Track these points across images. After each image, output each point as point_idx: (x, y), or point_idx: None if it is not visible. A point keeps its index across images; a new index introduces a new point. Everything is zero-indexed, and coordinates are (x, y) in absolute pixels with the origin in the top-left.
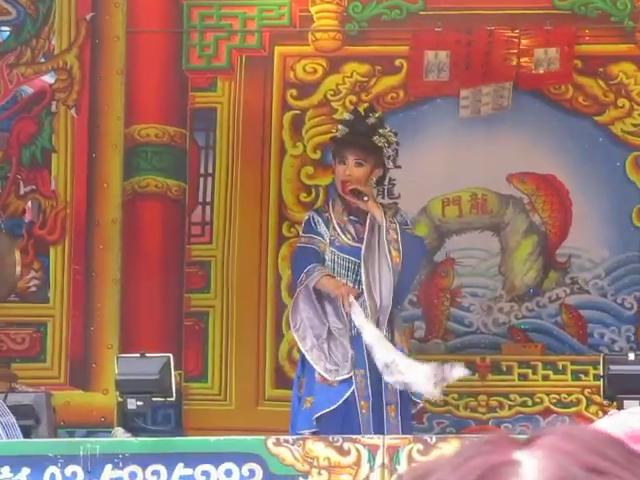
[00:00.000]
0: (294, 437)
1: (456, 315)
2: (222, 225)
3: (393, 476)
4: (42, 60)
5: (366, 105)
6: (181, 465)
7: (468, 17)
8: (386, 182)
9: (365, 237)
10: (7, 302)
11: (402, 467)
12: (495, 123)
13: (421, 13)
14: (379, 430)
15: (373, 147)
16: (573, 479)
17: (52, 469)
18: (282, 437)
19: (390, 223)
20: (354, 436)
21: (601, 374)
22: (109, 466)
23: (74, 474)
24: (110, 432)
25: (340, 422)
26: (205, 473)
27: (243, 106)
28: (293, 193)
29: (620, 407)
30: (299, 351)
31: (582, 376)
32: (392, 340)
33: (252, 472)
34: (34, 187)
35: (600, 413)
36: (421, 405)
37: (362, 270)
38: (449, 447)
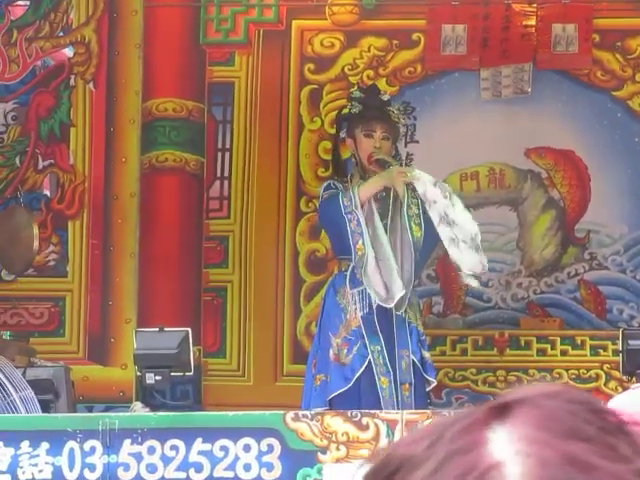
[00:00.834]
0: (313, 412)
1: (474, 290)
2: (240, 200)
3: None
4: (60, 34)
5: (371, 84)
6: (200, 440)
7: None
8: (404, 157)
9: (379, 211)
10: (26, 276)
11: None
12: (513, 97)
13: None
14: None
15: (392, 122)
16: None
17: (71, 444)
18: (300, 412)
19: (412, 198)
20: (373, 411)
21: (620, 349)
22: (128, 441)
23: (93, 449)
24: (129, 407)
25: (357, 400)
26: (224, 448)
27: (260, 80)
28: (311, 168)
29: None
30: (316, 326)
31: (601, 351)
32: (406, 318)
33: (270, 447)
34: (52, 161)
35: (619, 389)
36: (434, 384)
37: (383, 244)
38: None
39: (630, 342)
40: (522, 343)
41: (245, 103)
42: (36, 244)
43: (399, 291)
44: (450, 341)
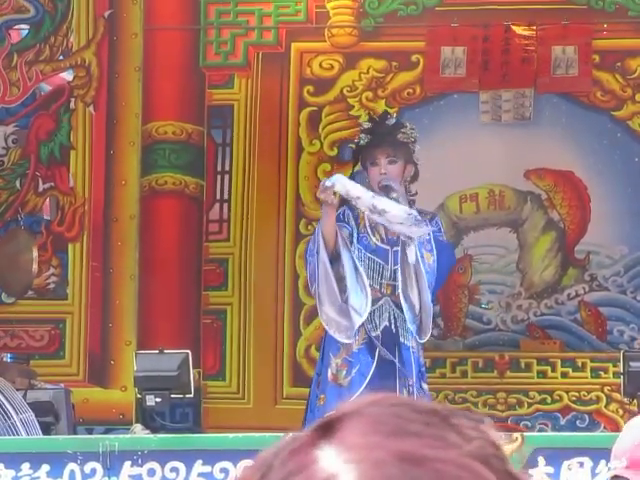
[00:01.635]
0: None
1: (474, 312)
2: (239, 223)
3: None
4: (60, 57)
5: (382, 111)
6: (200, 462)
7: (484, 12)
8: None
9: (389, 238)
10: (26, 299)
11: None
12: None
13: (437, 9)
14: None
15: (400, 144)
16: (391, 476)
17: (71, 466)
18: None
19: None
20: None
21: (621, 371)
22: (128, 463)
23: (93, 471)
24: (129, 429)
25: None
26: (224, 470)
27: (260, 103)
28: (310, 190)
29: None
30: (318, 349)
31: (602, 373)
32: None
33: None
34: (52, 184)
35: (620, 411)
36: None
37: (399, 273)
38: None
39: (631, 364)
40: (522, 365)
41: (244, 125)
42: (35, 267)
43: (357, 318)
44: (450, 363)
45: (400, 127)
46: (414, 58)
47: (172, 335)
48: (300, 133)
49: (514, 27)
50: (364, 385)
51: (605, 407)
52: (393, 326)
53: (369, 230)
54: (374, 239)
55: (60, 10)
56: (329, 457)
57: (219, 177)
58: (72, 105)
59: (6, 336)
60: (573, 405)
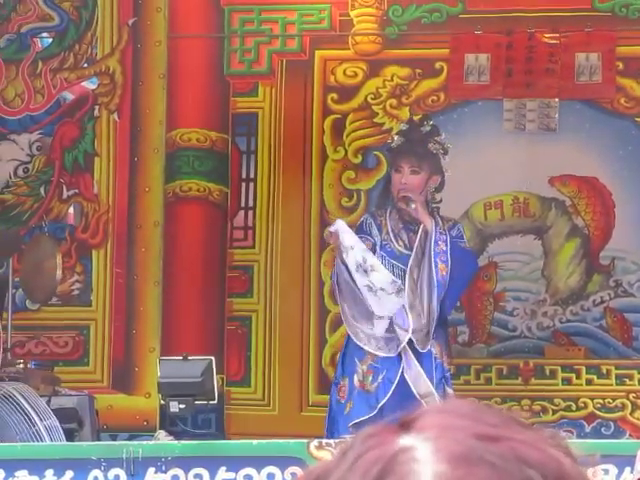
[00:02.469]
0: (337, 440)
1: (499, 319)
2: (264, 230)
3: None
4: (85, 65)
5: (421, 114)
6: (224, 469)
7: (508, 19)
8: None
9: (414, 248)
10: (50, 305)
11: None
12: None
13: (461, 16)
14: None
15: (428, 154)
16: (470, 450)
17: (95, 472)
18: (324, 440)
19: (440, 234)
20: None
21: None
22: (152, 469)
23: (117, 477)
24: (153, 435)
25: None
26: (247, 477)
27: (284, 111)
28: (335, 198)
29: None
30: (339, 355)
31: (627, 380)
32: (433, 353)
33: (294, 476)
34: (77, 191)
35: None
36: None
37: (406, 279)
38: None
39: None
40: (547, 372)
41: (269, 133)
42: (59, 273)
43: (402, 335)
44: (474, 370)
45: (434, 135)
46: (438, 65)
47: (196, 342)
48: (324, 140)
49: (538, 34)
50: (391, 390)
51: (630, 414)
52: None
53: (392, 237)
54: (397, 246)
55: (84, 18)
56: (407, 435)
57: (244, 184)
58: (96, 112)
59: (30, 342)
60: (598, 412)
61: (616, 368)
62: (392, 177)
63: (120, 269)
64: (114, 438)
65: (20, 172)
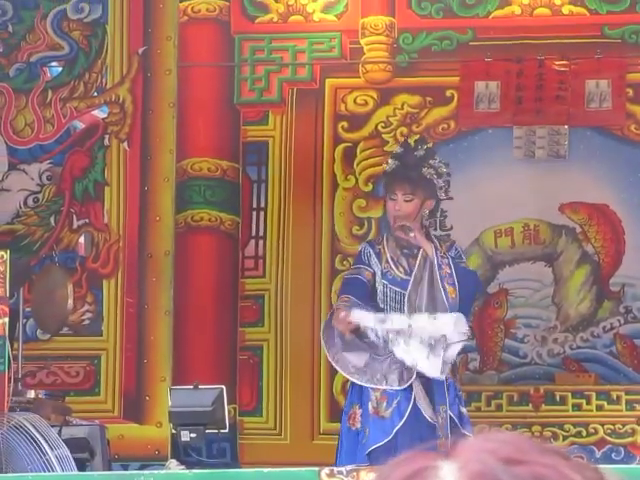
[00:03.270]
0: (348, 468)
1: (510, 346)
2: (275, 259)
3: None
4: (95, 94)
5: (417, 137)
6: None
7: (517, 47)
8: (438, 214)
9: (413, 274)
10: (61, 335)
11: None
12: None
13: (471, 43)
14: None
15: (421, 180)
16: (493, 471)
17: None
18: (336, 468)
19: (442, 258)
20: None
21: None
22: None
23: None
24: (164, 465)
25: (394, 454)
26: None
27: (295, 139)
28: (346, 226)
29: None
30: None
31: (637, 406)
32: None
33: None
34: (87, 220)
35: None
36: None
37: (406, 304)
38: None
39: None
40: (557, 398)
41: (279, 162)
42: (70, 303)
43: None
44: (485, 397)
45: (429, 159)
46: (448, 93)
47: (208, 372)
48: (335, 169)
49: (548, 61)
50: (406, 415)
51: None
52: None
53: (392, 264)
54: (398, 272)
55: (94, 47)
56: (440, 458)
57: (255, 213)
58: (106, 142)
59: (41, 372)
60: (608, 438)
61: (626, 394)
62: (386, 204)
63: (131, 299)
64: (125, 468)
65: (30, 202)
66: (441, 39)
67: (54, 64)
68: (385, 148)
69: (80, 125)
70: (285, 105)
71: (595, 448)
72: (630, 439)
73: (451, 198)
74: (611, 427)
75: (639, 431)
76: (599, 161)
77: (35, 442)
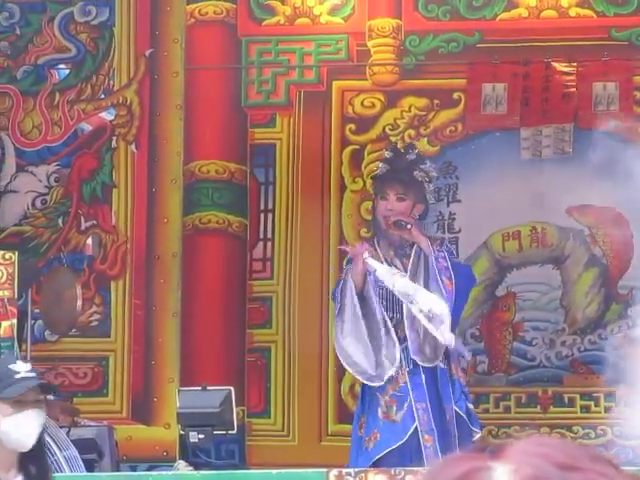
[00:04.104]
0: (356, 470)
1: (518, 349)
2: (283, 261)
3: None
4: (102, 96)
5: (407, 143)
6: None
7: (524, 49)
8: (446, 217)
9: (408, 270)
10: (69, 337)
11: None
12: (553, 157)
13: (478, 46)
14: None
15: (413, 182)
16: (547, 476)
17: None
18: (344, 470)
19: (438, 252)
20: (416, 468)
21: None
22: None
23: None
24: (172, 466)
25: (403, 458)
26: None
27: (302, 141)
28: (354, 228)
29: None
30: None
31: None
32: (449, 372)
33: None
34: (95, 222)
35: None
36: (480, 435)
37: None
38: None
39: None
40: (566, 400)
41: (287, 164)
42: (79, 304)
43: (388, 369)
44: (493, 399)
45: (419, 163)
46: (456, 96)
47: (215, 373)
48: (342, 171)
49: (554, 64)
50: (417, 418)
51: None
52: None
53: (386, 265)
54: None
55: (101, 49)
56: (492, 459)
57: (262, 216)
58: (114, 144)
59: (50, 373)
60: (617, 439)
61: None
62: (377, 204)
63: (139, 300)
64: (134, 469)
65: (38, 204)
66: (448, 41)
67: (61, 66)
68: (384, 151)
69: (87, 127)
70: (292, 107)
71: (604, 449)
72: (638, 441)
73: (459, 201)
74: (619, 429)
75: None
76: (606, 164)
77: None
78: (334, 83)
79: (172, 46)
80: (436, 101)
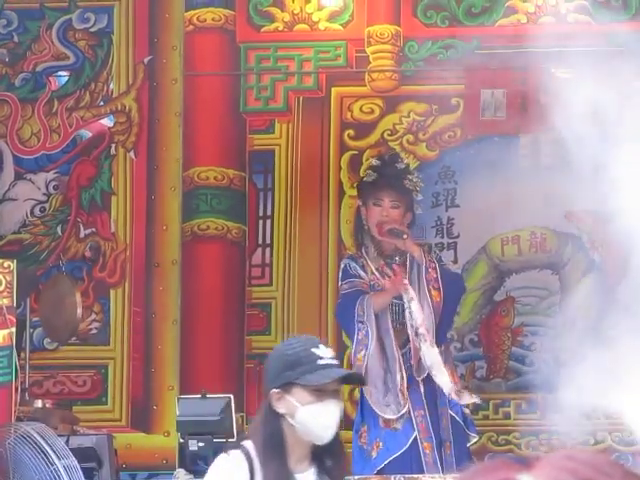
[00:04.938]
0: (356, 478)
1: (517, 354)
2: (282, 267)
3: None
4: (101, 103)
5: (394, 152)
6: None
7: (523, 55)
8: (445, 221)
9: (408, 278)
10: (68, 345)
11: None
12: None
13: (476, 52)
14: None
15: (405, 191)
16: None
17: None
18: (346, 478)
19: (430, 262)
20: (416, 475)
21: None
22: None
23: None
24: (172, 474)
25: (407, 465)
26: None
27: (301, 147)
28: (352, 234)
29: None
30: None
31: None
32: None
33: None
34: (94, 229)
35: None
36: (476, 439)
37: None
38: None
39: None
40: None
41: (286, 170)
42: (79, 312)
43: (401, 407)
44: (493, 405)
45: (407, 173)
46: (454, 101)
47: (215, 380)
48: (341, 177)
49: (553, 70)
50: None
51: None
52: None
53: (378, 275)
54: (385, 282)
55: (100, 56)
56: (521, 471)
57: (261, 222)
58: (113, 151)
59: (48, 382)
60: (616, 446)
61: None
62: (368, 211)
63: (138, 308)
64: (133, 477)
65: (37, 211)
66: (446, 47)
67: (60, 74)
68: (371, 159)
69: (86, 134)
70: (291, 113)
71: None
72: (637, 447)
73: (457, 206)
74: (618, 435)
75: None
76: (606, 169)
77: (42, 452)
78: (333, 89)
79: (171, 53)
80: (435, 106)
